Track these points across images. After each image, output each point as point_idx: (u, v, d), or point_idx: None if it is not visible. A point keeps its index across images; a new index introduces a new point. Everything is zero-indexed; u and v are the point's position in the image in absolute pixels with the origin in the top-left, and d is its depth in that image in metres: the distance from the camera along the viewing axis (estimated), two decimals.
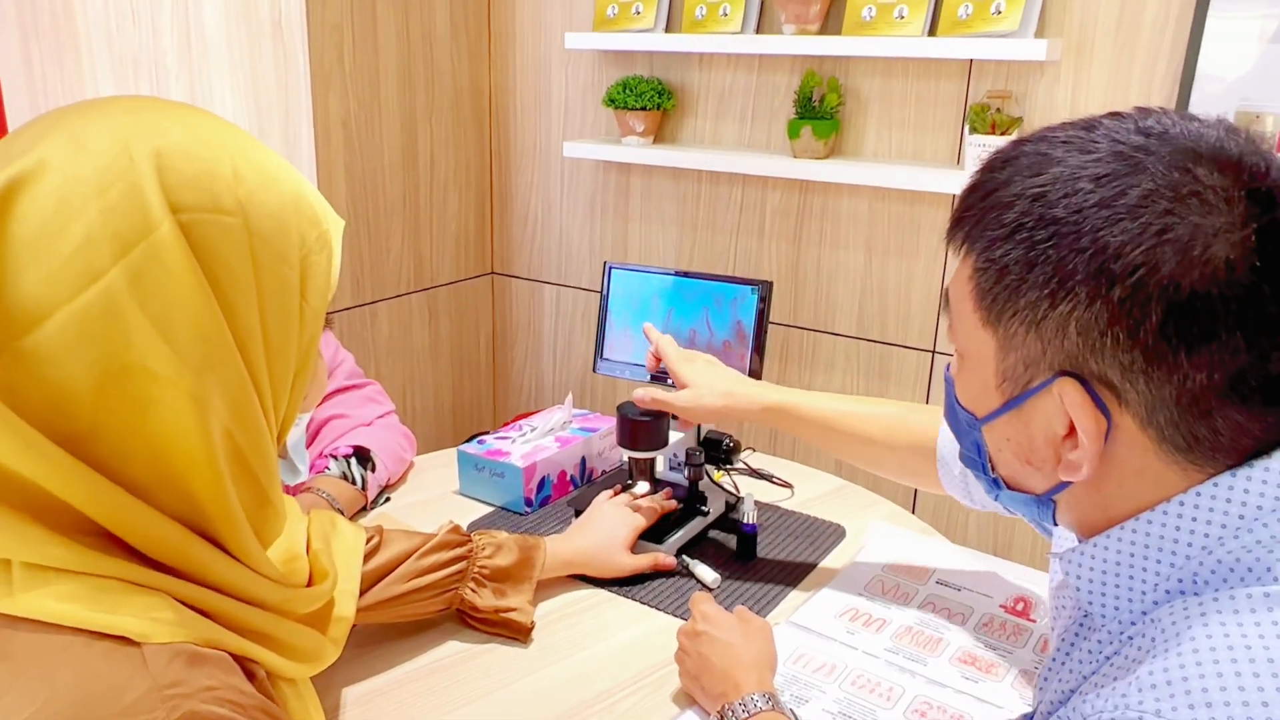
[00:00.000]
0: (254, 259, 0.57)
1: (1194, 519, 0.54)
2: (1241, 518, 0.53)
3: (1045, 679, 0.67)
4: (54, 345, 0.50)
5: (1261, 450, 0.53)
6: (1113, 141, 0.53)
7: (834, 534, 1.23)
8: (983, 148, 1.76)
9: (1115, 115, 0.56)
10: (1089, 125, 0.55)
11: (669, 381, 1.16)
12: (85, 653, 0.50)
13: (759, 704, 0.82)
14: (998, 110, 1.78)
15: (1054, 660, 0.66)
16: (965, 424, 0.64)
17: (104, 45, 2.32)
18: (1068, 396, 0.54)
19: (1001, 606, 1.07)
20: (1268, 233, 0.50)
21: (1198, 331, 0.50)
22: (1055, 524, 0.64)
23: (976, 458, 0.65)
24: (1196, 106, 1.63)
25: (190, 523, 0.56)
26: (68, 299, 0.50)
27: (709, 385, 1.10)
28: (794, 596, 1.10)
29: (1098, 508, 0.58)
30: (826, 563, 1.17)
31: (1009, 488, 0.64)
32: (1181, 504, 0.54)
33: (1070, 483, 0.58)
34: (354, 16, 2.06)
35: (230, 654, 0.56)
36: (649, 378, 1.28)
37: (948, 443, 1.01)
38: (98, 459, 0.52)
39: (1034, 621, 1.04)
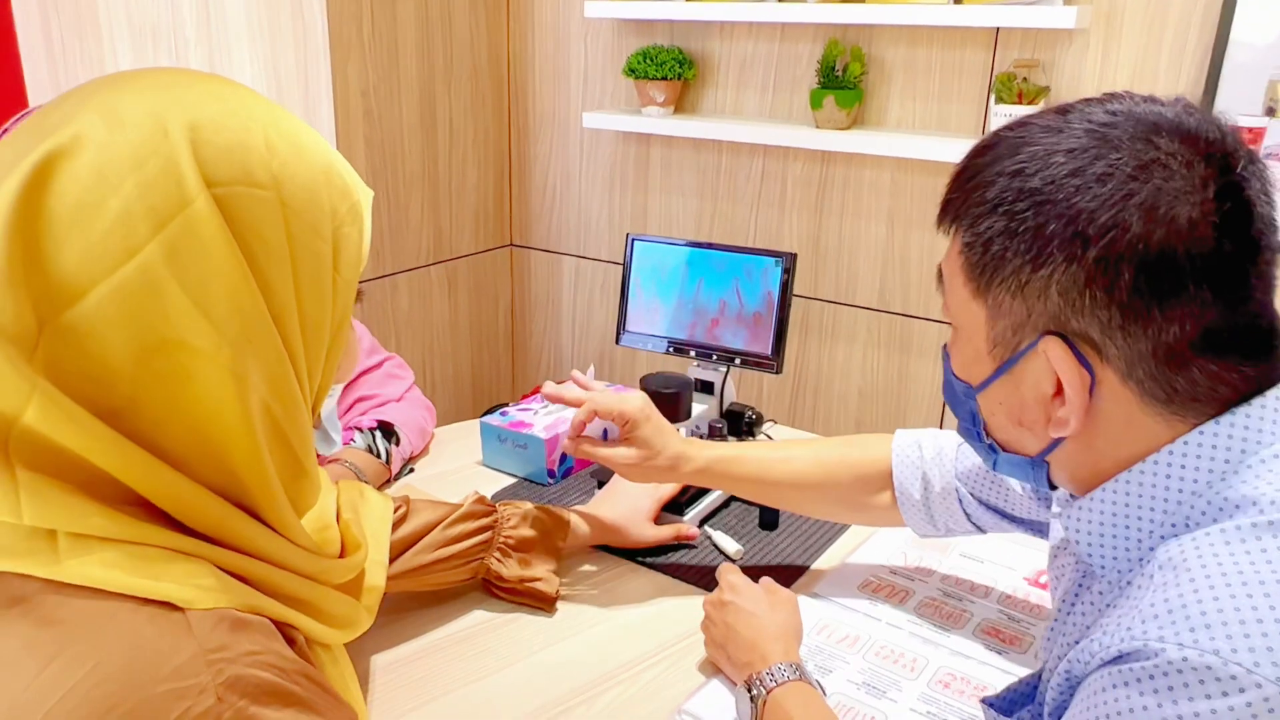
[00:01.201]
0: (288, 231, 0.57)
1: (1183, 466, 0.58)
2: (1228, 462, 0.56)
3: (1049, 639, 0.69)
4: (94, 320, 0.51)
5: (1243, 399, 0.57)
6: (1085, 120, 0.58)
7: None
8: (1008, 118, 1.74)
9: (1087, 101, 0.61)
10: (1062, 110, 0.60)
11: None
12: (132, 618, 0.51)
13: (786, 674, 0.82)
14: (1024, 80, 1.75)
15: (1056, 621, 0.69)
16: (961, 394, 0.68)
17: (123, 16, 2.31)
18: (1053, 353, 0.59)
19: (1025, 579, 1.07)
20: (1224, 193, 0.54)
21: (1167, 287, 0.55)
22: (1051, 487, 0.67)
23: (972, 426, 0.69)
24: (1228, 76, 1.61)
25: (228, 494, 0.57)
26: (106, 273, 0.51)
27: (660, 449, 1.00)
28: (817, 568, 1.11)
29: (1090, 463, 0.62)
30: (849, 534, 1.17)
31: (1005, 451, 0.67)
32: (1170, 453, 0.58)
33: (1061, 440, 0.62)
34: None
35: (271, 620, 0.57)
36: (670, 350, 1.28)
37: (906, 468, 1.00)
38: (138, 432, 0.53)
39: None
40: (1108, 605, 0.61)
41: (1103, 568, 0.62)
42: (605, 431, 1.03)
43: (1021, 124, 0.61)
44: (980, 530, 1.00)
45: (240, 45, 2.12)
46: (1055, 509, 0.80)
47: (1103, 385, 0.58)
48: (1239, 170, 0.56)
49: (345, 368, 0.68)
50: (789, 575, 1.09)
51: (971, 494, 0.97)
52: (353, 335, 0.69)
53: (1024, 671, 0.91)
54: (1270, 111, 1.59)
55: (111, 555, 0.53)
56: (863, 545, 1.14)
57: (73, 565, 0.51)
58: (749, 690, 0.83)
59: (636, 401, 1.00)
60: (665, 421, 1.03)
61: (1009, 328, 0.61)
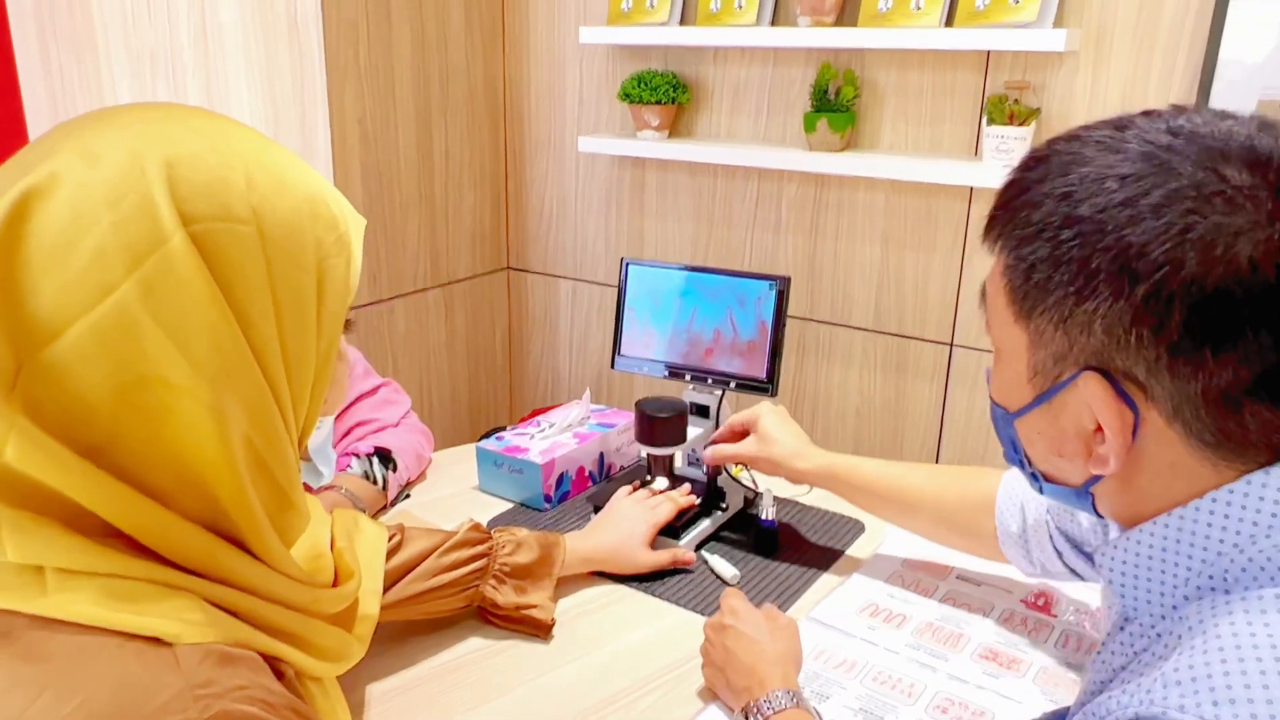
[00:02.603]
0: (269, 266, 0.57)
1: (1226, 515, 0.54)
2: (1275, 515, 0.52)
3: (1090, 669, 0.67)
4: (71, 357, 0.51)
5: None
6: (1142, 141, 0.53)
7: (853, 529, 1.23)
8: (1001, 139, 1.75)
9: (1149, 114, 0.56)
10: (1121, 125, 0.56)
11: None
12: (119, 653, 0.51)
13: (783, 701, 0.82)
14: (1015, 101, 1.76)
15: (1098, 654, 0.66)
16: (1000, 419, 0.65)
17: (120, 42, 2.33)
18: (1091, 392, 0.55)
19: (1023, 602, 1.07)
20: None
21: (1222, 330, 0.50)
22: (1099, 515, 0.64)
23: (1013, 454, 0.66)
24: (1218, 95, 1.62)
25: (214, 526, 0.56)
26: (83, 311, 0.51)
27: (777, 439, 1.14)
28: (813, 592, 1.10)
29: (1133, 502, 0.59)
30: (846, 558, 1.17)
31: (1048, 481, 0.64)
32: (1214, 500, 0.54)
33: (1102, 476, 0.59)
34: (369, 13, 2.06)
35: (259, 654, 0.57)
36: (665, 374, 1.28)
37: (1007, 501, 0.99)
38: (120, 467, 0.53)
39: (1055, 617, 1.04)
40: (1136, 652, 0.59)
41: (1135, 609, 0.59)
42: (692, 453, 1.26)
43: (1075, 137, 0.57)
44: (1076, 575, 0.96)
45: (237, 72, 2.13)
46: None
47: (1146, 425, 0.55)
48: None
49: (333, 399, 0.68)
50: (785, 599, 1.08)
51: (1057, 526, 0.94)
52: (341, 367, 0.69)
53: (1021, 695, 0.91)
54: None
55: (100, 591, 0.53)
56: (860, 568, 1.14)
57: (59, 600, 0.51)
58: (746, 717, 0.83)
59: (762, 404, 1.19)
60: (790, 420, 1.18)
61: (1050, 357, 0.57)
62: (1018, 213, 0.57)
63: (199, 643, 0.53)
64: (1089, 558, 0.92)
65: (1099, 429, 0.56)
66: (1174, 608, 0.57)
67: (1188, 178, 0.51)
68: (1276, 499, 0.52)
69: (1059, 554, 0.94)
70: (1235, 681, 0.47)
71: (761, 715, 0.81)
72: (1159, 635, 0.57)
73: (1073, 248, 0.53)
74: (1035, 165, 0.58)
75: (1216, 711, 0.46)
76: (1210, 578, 0.55)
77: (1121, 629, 0.62)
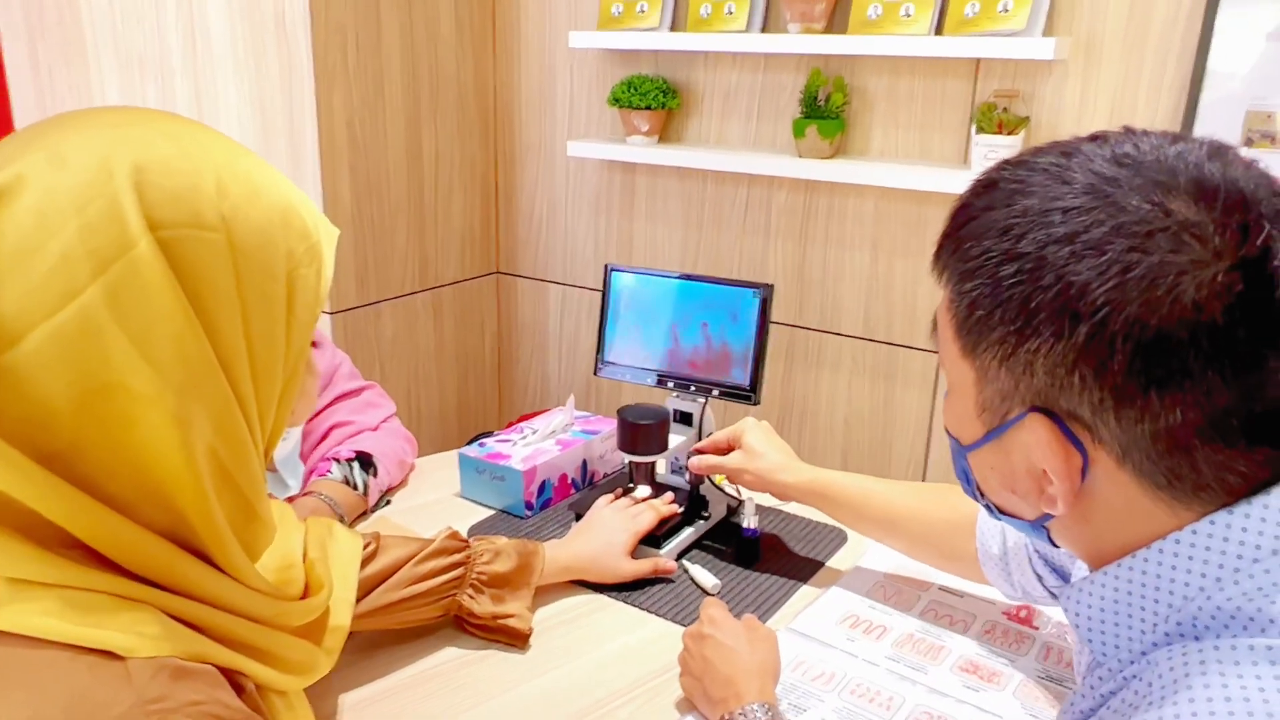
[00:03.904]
0: (238, 274, 0.56)
1: (1190, 558, 0.52)
2: (1240, 558, 0.50)
3: (1063, 712, 0.65)
4: (32, 363, 0.50)
5: (1257, 488, 0.51)
6: (1088, 171, 0.51)
7: (835, 539, 1.23)
8: (990, 148, 1.75)
9: (1096, 138, 0.54)
10: (1068, 152, 0.54)
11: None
12: (70, 668, 0.50)
13: (759, 715, 0.81)
14: (1005, 110, 1.76)
15: (1070, 697, 0.64)
16: (955, 451, 0.64)
17: (109, 45, 2.32)
18: (1035, 434, 0.53)
19: (1005, 614, 1.06)
20: (1241, 267, 0.47)
21: (1166, 372, 0.48)
22: (1056, 546, 0.63)
23: (967, 485, 0.65)
24: (1206, 106, 1.62)
25: (176, 537, 0.55)
26: (45, 316, 0.50)
27: (763, 453, 1.14)
28: (794, 602, 1.09)
29: (1094, 538, 0.57)
30: (827, 568, 1.16)
31: (1003, 513, 0.63)
32: (1178, 542, 0.52)
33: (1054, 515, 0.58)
34: (358, 15, 2.06)
35: (218, 667, 0.56)
36: (653, 381, 1.27)
37: (988, 523, 0.98)
38: (79, 476, 0.52)
39: (1037, 629, 1.03)
40: (1103, 696, 0.57)
41: (1104, 654, 0.57)
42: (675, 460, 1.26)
43: (1023, 163, 0.55)
44: (1056, 599, 0.94)
45: (225, 74, 2.13)
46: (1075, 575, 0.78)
47: (1097, 466, 0.53)
48: (1265, 236, 0.47)
49: (301, 410, 0.67)
50: (766, 609, 1.07)
51: (1035, 550, 0.92)
52: (310, 380, 0.68)
53: (1002, 709, 0.90)
54: (1248, 142, 1.60)
55: (53, 603, 0.52)
56: (842, 579, 1.13)
57: (10, 613, 0.50)
58: None
59: (747, 419, 1.19)
60: (775, 435, 1.18)
61: (996, 395, 0.56)
62: (962, 243, 0.55)
63: (153, 656, 0.52)
64: (1060, 574, 0.91)
65: (1047, 471, 0.55)
66: (1142, 653, 0.55)
67: (1132, 212, 0.49)
68: (1242, 540, 0.50)
69: (1039, 578, 0.93)
70: None
71: None
72: (1127, 680, 0.55)
73: (1014, 285, 0.51)
74: (983, 192, 0.56)
75: None
76: (1179, 624, 0.53)
77: (1092, 671, 0.60)
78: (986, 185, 0.56)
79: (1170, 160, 0.50)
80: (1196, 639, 0.52)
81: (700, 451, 1.20)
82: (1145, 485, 0.52)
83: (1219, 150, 0.51)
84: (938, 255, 0.59)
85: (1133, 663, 0.55)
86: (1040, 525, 0.60)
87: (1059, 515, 0.57)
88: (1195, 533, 0.51)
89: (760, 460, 1.14)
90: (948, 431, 0.64)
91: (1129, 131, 0.54)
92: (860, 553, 1.19)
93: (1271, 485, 0.51)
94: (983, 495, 0.64)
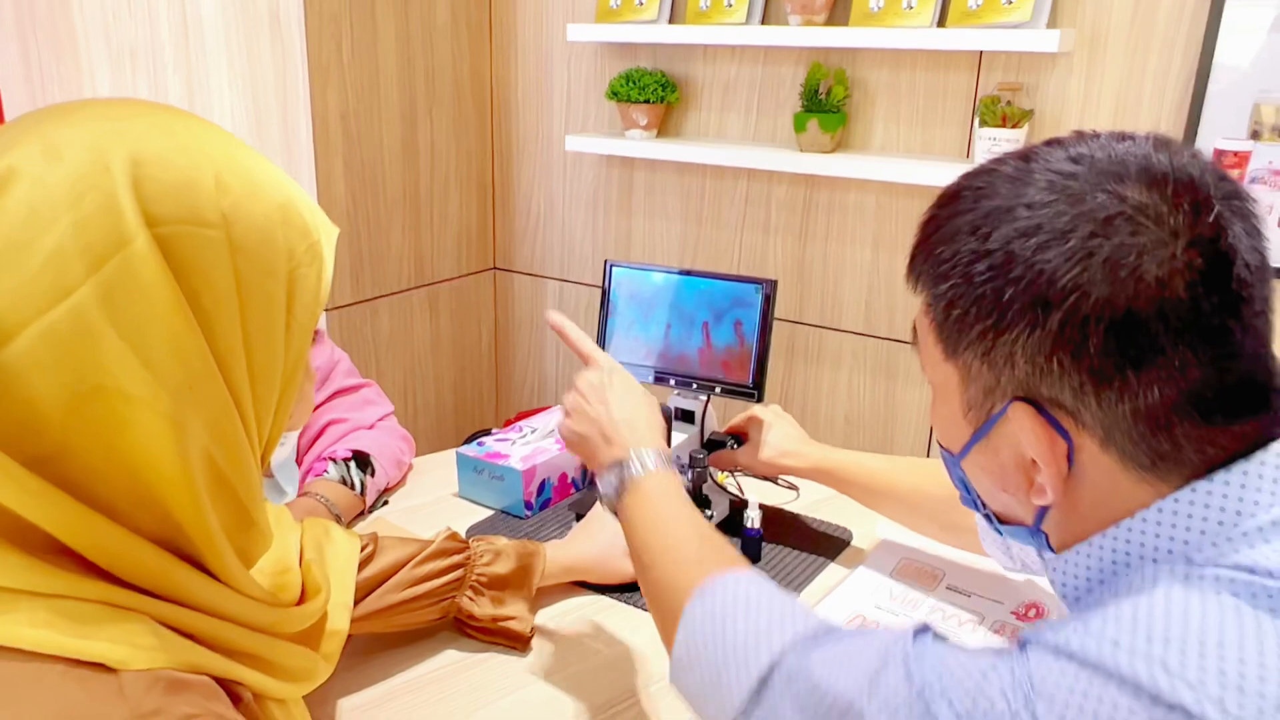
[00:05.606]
0: (237, 273, 0.54)
1: (1174, 525, 0.54)
2: (1221, 524, 0.52)
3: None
4: (22, 363, 0.48)
5: (1236, 457, 0.53)
6: (1047, 171, 0.54)
7: (840, 538, 1.21)
8: (993, 141, 1.73)
9: (1052, 144, 0.57)
10: (1027, 156, 0.57)
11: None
12: (60, 681, 0.48)
13: (653, 461, 0.82)
14: (1008, 103, 1.74)
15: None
16: (948, 462, 0.66)
17: (101, 38, 2.29)
18: (1020, 422, 0.55)
19: (1013, 613, 1.05)
20: (1199, 243, 0.50)
21: (1139, 351, 0.50)
22: (1056, 553, 0.63)
23: (967, 496, 0.66)
24: (1212, 99, 1.60)
25: (170, 544, 0.54)
26: (37, 315, 0.48)
27: (771, 441, 1.17)
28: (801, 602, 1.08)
29: (1080, 531, 0.58)
30: (832, 568, 1.15)
31: (1003, 522, 0.64)
32: (1160, 510, 0.54)
33: (1049, 509, 0.59)
34: (352, 8, 2.03)
35: (214, 677, 0.54)
36: (652, 379, 1.26)
37: None
38: (69, 480, 0.50)
39: None
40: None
41: None
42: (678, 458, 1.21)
43: (986, 170, 0.58)
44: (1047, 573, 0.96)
45: (219, 67, 2.10)
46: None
47: (1082, 452, 0.55)
48: (1215, 215, 0.51)
49: (299, 415, 0.65)
50: None
51: None
52: (308, 383, 0.66)
53: None
54: (1255, 135, 1.59)
55: (43, 613, 0.50)
56: (847, 579, 1.12)
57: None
58: (620, 475, 0.82)
59: (758, 407, 1.22)
60: (785, 415, 1.21)
61: (980, 392, 0.58)
62: (933, 250, 0.58)
63: (147, 669, 0.50)
64: None
65: (1035, 459, 0.56)
66: None
67: (1090, 201, 0.52)
68: (1222, 506, 0.52)
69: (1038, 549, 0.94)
70: (1174, 624, 0.47)
71: (632, 473, 0.81)
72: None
73: (986, 281, 0.54)
74: (948, 202, 0.59)
75: (1149, 647, 0.47)
76: None
77: None
78: (951, 196, 0.59)
79: (1119, 154, 0.54)
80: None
81: (721, 435, 1.24)
82: (1129, 467, 0.54)
83: (1164, 143, 0.54)
84: (911, 266, 0.62)
85: None
86: (1039, 530, 0.61)
87: (1052, 507, 0.58)
88: (1177, 500, 0.53)
89: (768, 448, 1.17)
90: (940, 445, 0.66)
91: (1080, 135, 0.57)
92: (865, 553, 1.18)
93: (1255, 453, 0.53)
94: (982, 504, 0.65)
